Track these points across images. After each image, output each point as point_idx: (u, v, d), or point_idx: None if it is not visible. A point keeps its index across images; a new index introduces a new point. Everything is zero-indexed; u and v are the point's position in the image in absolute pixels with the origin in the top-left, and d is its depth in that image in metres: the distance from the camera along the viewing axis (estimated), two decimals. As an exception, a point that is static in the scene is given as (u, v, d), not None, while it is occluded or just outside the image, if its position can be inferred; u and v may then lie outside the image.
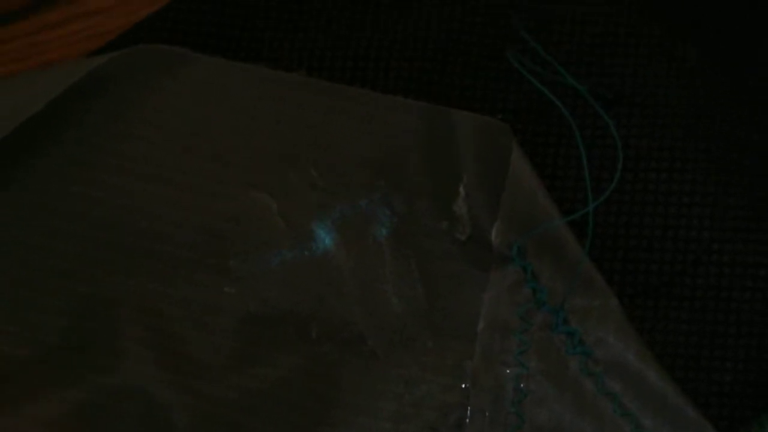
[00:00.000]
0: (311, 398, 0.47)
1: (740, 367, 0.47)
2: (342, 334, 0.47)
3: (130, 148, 0.49)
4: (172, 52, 0.49)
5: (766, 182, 0.48)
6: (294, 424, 0.47)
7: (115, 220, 0.49)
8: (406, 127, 0.48)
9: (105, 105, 0.49)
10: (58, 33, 0.54)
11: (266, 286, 0.48)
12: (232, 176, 0.49)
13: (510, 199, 0.47)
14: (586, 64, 0.50)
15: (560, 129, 0.49)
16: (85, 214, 0.49)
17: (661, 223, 0.48)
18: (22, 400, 0.48)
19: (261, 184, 0.49)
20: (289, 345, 0.47)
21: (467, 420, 0.46)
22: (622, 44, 0.50)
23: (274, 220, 0.48)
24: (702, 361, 0.47)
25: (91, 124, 0.49)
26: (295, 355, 0.47)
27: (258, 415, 0.47)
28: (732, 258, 0.47)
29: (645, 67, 0.49)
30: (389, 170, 0.48)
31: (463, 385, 0.47)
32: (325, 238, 0.48)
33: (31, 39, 0.54)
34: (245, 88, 0.49)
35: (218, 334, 0.47)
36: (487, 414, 0.46)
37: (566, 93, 0.49)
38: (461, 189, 0.48)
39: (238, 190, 0.49)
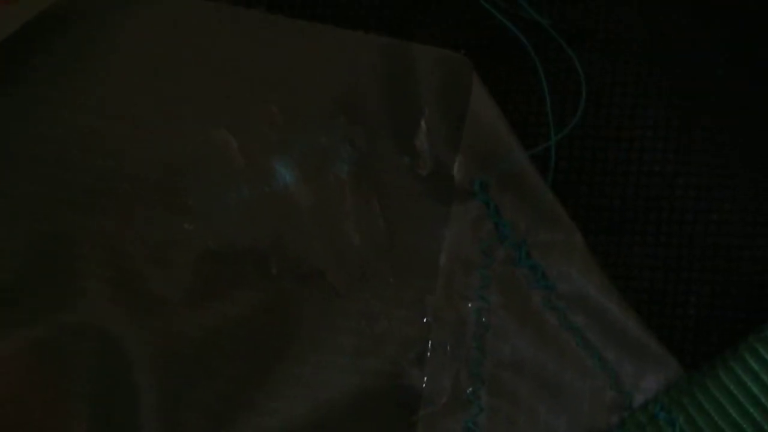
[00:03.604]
0: (271, 334, 0.46)
1: (704, 301, 0.46)
2: (302, 269, 0.47)
3: (85, 86, 0.48)
4: (129, -13, 0.49)
5: (731, 116, 0.47)
6: (253, 360, 0.46)
7: (72, 158, 0.48)
8: (366, 63, 0.48)
9: (60, 43, 0.49)
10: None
11: (225, 223, 0.47)
12: (191, 114, 0.48)
13: (471, 134, 0.47)
14: (549, -1, 0.49)
15: (522, 63, 0.48)
16: (42, 152, 0.48)
17: (625, 157, 0.47)
18: (-24, 339, 0.47)
19: (220, 121, 0.48)
20: (249, 281, 0.47)
21: (428, 354, 0.46)
22: (585, -20, 0.49)
23: (234, 157, 0.48)
24: (666, 296, 0.47)
25: (46, 62, 0.49)
26: (254, 291, 0.47)
27: (217, 352, 0.46)
28: (697, 192, 0.47)
29: (608, 2, 0.49)
30: (349, 106, 0.48)
31: (425, 320, 0.46)
32: (285, 174, 0.47)
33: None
34: (203, 25, 0.49)
35: (177, 271, 0.47)
36: (448, 348, 0.46)
37: (529, 27, 0.48)
38: (423, 124, 0.47)
39: (197, 128, 0.48)
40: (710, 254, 0.47)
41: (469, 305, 0.46)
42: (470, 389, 0.46)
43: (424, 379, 0.46)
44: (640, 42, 0.48)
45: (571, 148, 0.48)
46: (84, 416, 0.46)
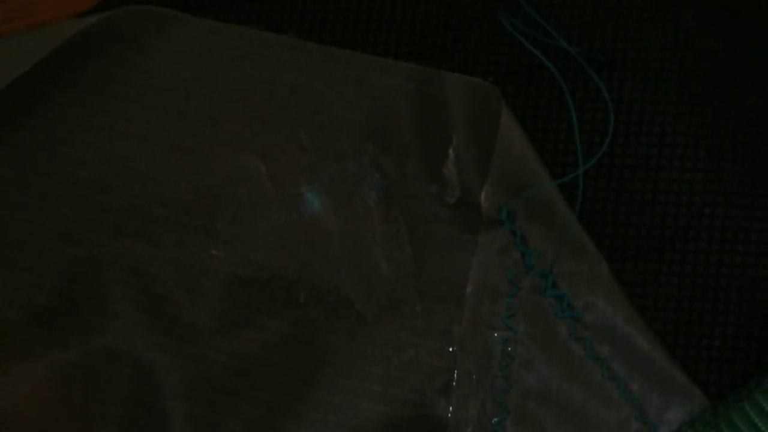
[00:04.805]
0: (299, 361, 0.47)
1: (729, 332, 0.47)
2: (330, 297, 0.47)
3: (119, 109, 0.49)
4: (162, 12, 0.49)
5: (758, 147, 0.48)
6: (282, 387, 0.47)
7: (105, 181, 0.49)
8: (395, 89, 0.48)
9: (94, 66, 0.49)
10: (48, -6, 0.53)
11: (254, 249, 0.48)
12: (221, 139, 0.49)
13: (499, 163, 0.47)
14: (578, 27, 0.49)
15: (551, 92, 0.48)
16: (75, 176, 0.49)
17: (652, 187, 0.48)
18: (9, 362, 0.48)
19: (250, 146, 0.48)
20: (277, 308, 0.47)
21: (454, 383, 0.46)
22: (614, 7, 0.49)
23: (263, 183, 0.48)
24: (691, 327, 0.47)
25: (80, 84, 0.49)
26: (282, 318, 0.47)
27: (246, 378, 0.47)
28: (723, 223, 0.47)
29: (638, 31, 0.49)
30: (378, 133, 0.48)
31: (451, 349, 0.47)
32: (313, 201, 0.48)
33: (21, 0, 0.53)
34: (235, 50, 0.49)
35: (207, 297, 0.47)
36: (474, 377, 0.46)
37: (558, 56, 0.48)
38: (451, 152, 0.47)
39: (227, 153, 0.48)
40: (735, 285, 0.47)
41: (495, 335, 0.47)
42: (496, 419, 0.46)
43: (449, 408, 0.46)
44: (668, 71, 0.48)
45: (597, 178, 0.48)
46: (115, 439, 0.47)
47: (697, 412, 0.46)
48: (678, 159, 0.48)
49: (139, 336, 0.47)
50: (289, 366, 0.47)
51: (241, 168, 0.48)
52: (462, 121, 0.47)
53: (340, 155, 0.48)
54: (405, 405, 0.46)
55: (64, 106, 0.49)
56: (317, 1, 0.51)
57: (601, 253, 0.47)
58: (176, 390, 0.47)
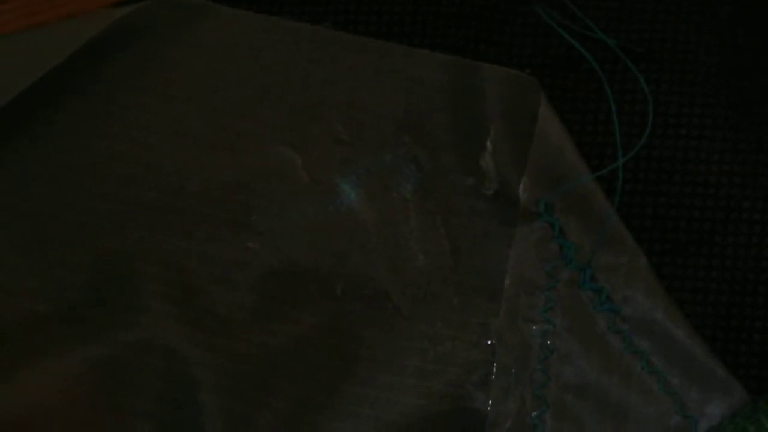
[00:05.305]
0: (334, 355, 0.46)
1: (770, 326, 0.46)
2: (365, 290, 0.47)
3: (151, 102, 0.49)
4: (194, 3, 0.49)
5: (799, 139, 0.47)
6: (317, 381, 0.46)
7: (137, 175, 0.48)
8: (432, 81, 0.47)
9: (126, 58, 0.49)
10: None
11: (290, 242, 0.47)
12: (255, 130, 0.48)
13: (537, 155, 0.47)
14: (614, 18, 0.49)
15: (589, 84, 0.48)
16: (107, 169, 0.48)
17: (691, 180, 0.47)
18: (42, 356, 0.47)
19: (285, 138, 0.48)
20: (312, 301, 0.47)
21: (492, 377, 0.46)
22: (652, -1, 0.49)
23: (298, 175, 0.48)
24: (731, 320, 0.47)
25: (112, 77, 0.49)
26: (318, 311, 0.47)
27: (280, 372, 0.46)
28: (763, 216, 0.47)
29: (676, 22, 0.48)
30: (415, 125, 0.47)
31: (489, 342, 0.46)
32: (349, 193, 0.47)
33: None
34: (269, 41, 0.49)
35: (241, 290, 0.47)
36: (513, 371, 0.46)
37: (596, 47, 0.48)
38: (488, 144, 0.47)
39: (261, 145, 0.48)
40: (776, 278, 0.47)
41: (534, 328, 0.46)
42: (535, 413, 0.46)
43: (488, 402, 0.46)
44: (705, 64, 0.48)
45: (636, 170, 0.47)
46: (148, 434, 0.47)
47: (738, 407, 0.46)
48: (717, 152, 0.47)
49: (172, 329, 0.47)
50: (324, 359, 0.47)
51: (275, 160, 0.48)
52: (499, 113, 0.47)
53: (376, 147, 0.47)
54: (442, 398, 0.46)
55: (94, 100, 0.49)
56: (352, -9, 0.50)
57: (639, 246, 0.47)
58: (209, 383, 0.46)
